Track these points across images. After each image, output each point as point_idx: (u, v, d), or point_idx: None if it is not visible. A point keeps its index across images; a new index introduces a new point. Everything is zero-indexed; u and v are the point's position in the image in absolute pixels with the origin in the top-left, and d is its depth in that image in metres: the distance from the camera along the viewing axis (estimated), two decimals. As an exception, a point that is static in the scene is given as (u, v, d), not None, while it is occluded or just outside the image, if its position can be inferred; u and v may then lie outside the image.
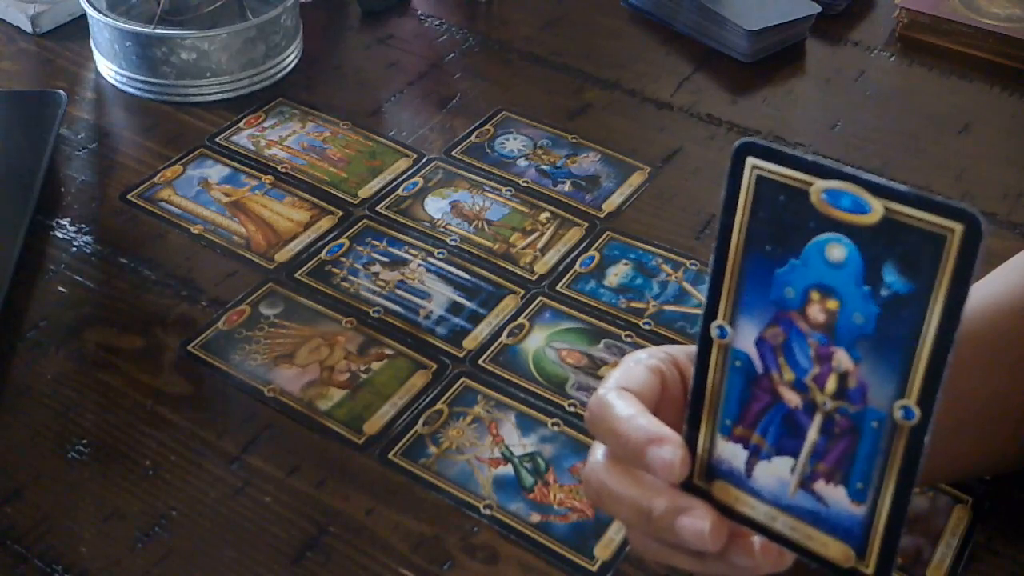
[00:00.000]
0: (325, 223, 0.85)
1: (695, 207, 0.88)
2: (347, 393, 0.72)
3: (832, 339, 0.39)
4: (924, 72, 1.04)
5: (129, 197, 0.87)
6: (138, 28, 0.94)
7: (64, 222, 0.84)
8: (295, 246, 0.83)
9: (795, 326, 0.40)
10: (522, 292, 0.80)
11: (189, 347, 0.75)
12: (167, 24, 0.97)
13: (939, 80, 1.03)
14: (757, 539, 0.44)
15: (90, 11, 0.96)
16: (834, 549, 0.42)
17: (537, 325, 0.77)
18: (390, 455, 0.68)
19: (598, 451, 0.48)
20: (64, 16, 1.05)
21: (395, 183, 0.89)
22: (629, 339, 0.76)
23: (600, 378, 0.73)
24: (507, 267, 0.82)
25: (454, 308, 0.78)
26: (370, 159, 0.91)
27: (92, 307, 0.78)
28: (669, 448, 0.43)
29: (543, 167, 0.91)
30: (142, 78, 0.96)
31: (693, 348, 0.44)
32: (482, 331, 0.76)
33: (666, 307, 0.79)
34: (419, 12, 1.10)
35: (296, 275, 0.80)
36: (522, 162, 0.91)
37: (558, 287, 0.80)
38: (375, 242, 0.83)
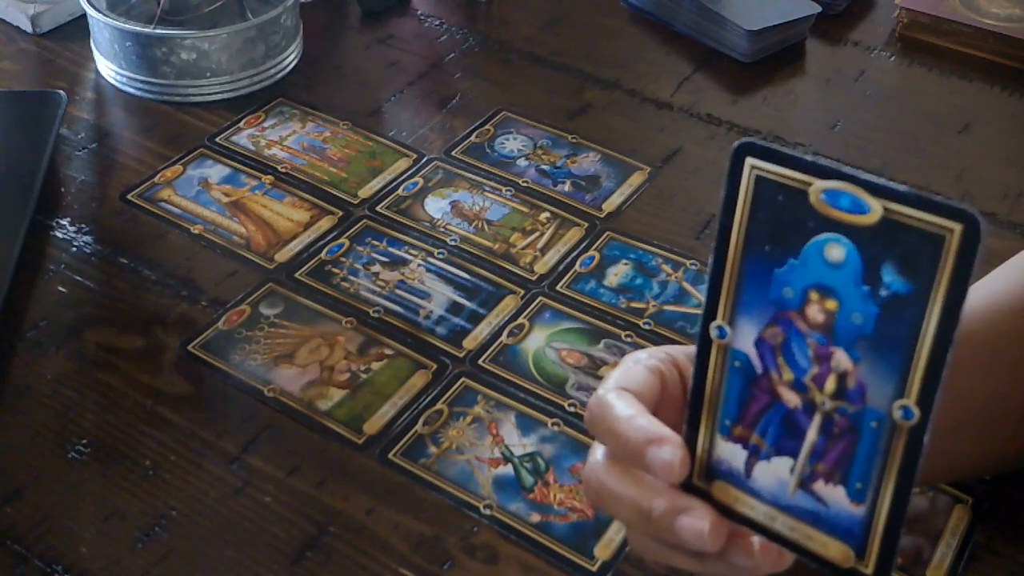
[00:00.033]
0: (325, 223, 0.85)
1: (695, 207, 0.88)
2: (347, 393, 0.72)
3: (831, 339, 0.39)
4: (924, 72, 1.05)
5: (129, 197, 0.87)
6: (138, 28, 0.94)
7: (64, 222, 0.84)
8: (295, 246, 0.83)
9: (794, 326, 0.40)
10: (522, 292, 0.80)
11: (189, 347, 0.75)
12: (167, 24, 0.97)
13: (939, 80, 1.04)
14: (757, 539, 0.44)
15: (90, 11, 0.96)
16: (833, 549, 0.42)
17: (537, 325, 0.77)
18: (390, 455, 0.68)
19: (598, 451, 0.48)
20: (64, 16, 1.05)
21: (395, 183, 0.89)
22: (629, 339, 0.76)
23: (600, 378, 0.73)
24: (507, 267, 0.82)
25: (454, 308, 0.78)
26: (370, 159, 0.91)
27: (92, 307, 0.78)
28: (668, 448, 0.43)
29: (543, 167, 0.91)
30: (142, 78, 0.96)
31: (693, 348, 0.44)
32: (482, 331, 0.77)
33: (666, 307, 0.79)
34: (419, 12, 1.10)
35: (296, 275, 0.80)
36: (522, 162, 0.91)
37: (558, 287, 0.80)
38: (375, 242, 0.83)
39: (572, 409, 0.71)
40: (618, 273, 0.81)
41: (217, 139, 0.93)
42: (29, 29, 1.04)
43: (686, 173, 0.91)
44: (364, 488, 0.67)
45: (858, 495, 0.40)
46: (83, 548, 0.63)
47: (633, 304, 0.79)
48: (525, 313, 0.78)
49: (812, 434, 0.41)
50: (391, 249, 0.83)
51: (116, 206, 0.86)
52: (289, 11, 0.98)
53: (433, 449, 0.69)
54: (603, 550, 0.64)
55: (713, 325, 0.42)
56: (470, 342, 0.76)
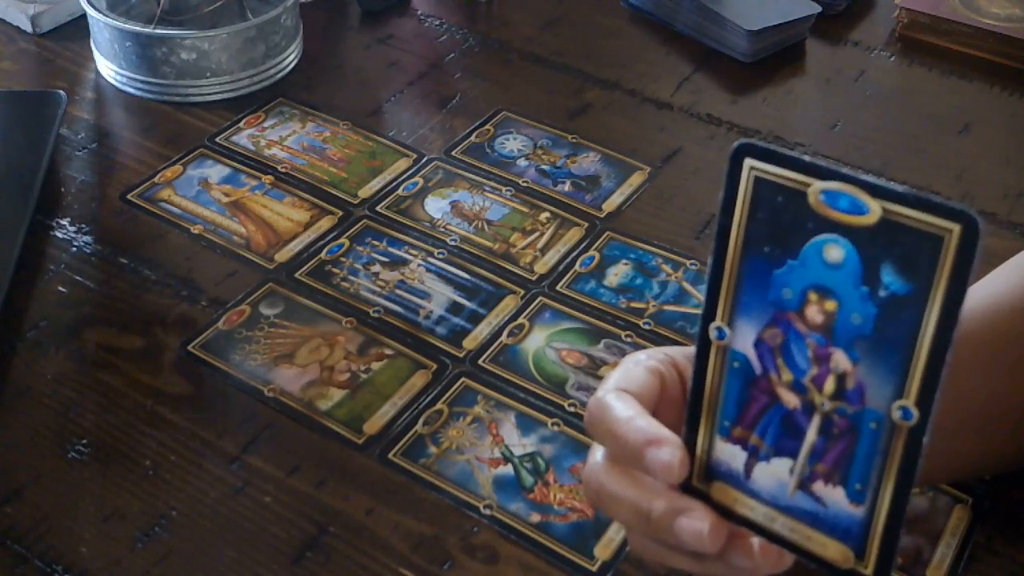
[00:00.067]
0: (325, 223, 0.85)
1: (695, 207, 0.88)
2: (347, 393, 0.72)
3: (830, 340, 0.39)
4: (924, 72, 1.05)
5: (129, 197, 0.87)
6: (138, 28, 0.94)
7: (64, 222, 0.84)
8: (295, 246, 0.83)
9: (793, 327, 0.40)
10: (522, 292, 0.80)
11: (189, 347, 0.75)
12: (167, 24, 0.97)
13: (939, 80, 1.04)
14: (756, 540, 0.44)
15: (90, 11, 0.96)
16: (833, 550, 0.42)
17: (537, 325, 0.77)
18: (390, 455, 0.68)
19: (597, 452, 0.48)
20: (64, 16, 1.05)
21: (395, 183, 0.89)
22: (629, 339, 0.76)
23: (600, 378, 0.73)
24: (507, 267, 0.82)
25: (454, 308, 0.78)
26: (370, 159, 0.91)
27: (92, 307, 0.78)
28: (668, 450, 0.43)
29: (543, 167, 0.91)
30: (142, 78, 0.96)
31: (692, 349, 0.44)
32: (482, 331, 0.77)
33: (666, 307, 0.79)
34: (419, 12, 1.10)
35: (296, 275, 0.80)
36: (522, 162, 0.91)
37: (558, 287, 0.80)
38: (375, 242, 0.83)
39: (572, 409, 0.71)
40: (618, 273, 0.81)
41: (217, 139, 0.93)
42: (29, 29, 1.04)
43: (686, 173, 0.91)
44: (364, 488, 0.67)
45: (857, 496, 0.40)
46: (83, 548, 0.63)
47: (633, 304, 0.79)
48: (525, 313, 0.78)
49: (811, 435, 0.41)
50: (391, 249, 0.83)
51: (116, 206, 0.86)
52: (289, 11, 0.98)
53: (433, 449, 0.69)
54: (603, 550, 0.64)
55: (712, 326, 0.42)
56: (470, 342, 0.76)
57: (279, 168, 0.90)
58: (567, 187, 0.89)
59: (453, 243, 0.83)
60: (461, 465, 0.68)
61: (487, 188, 0.89)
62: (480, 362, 0.74)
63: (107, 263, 0.81)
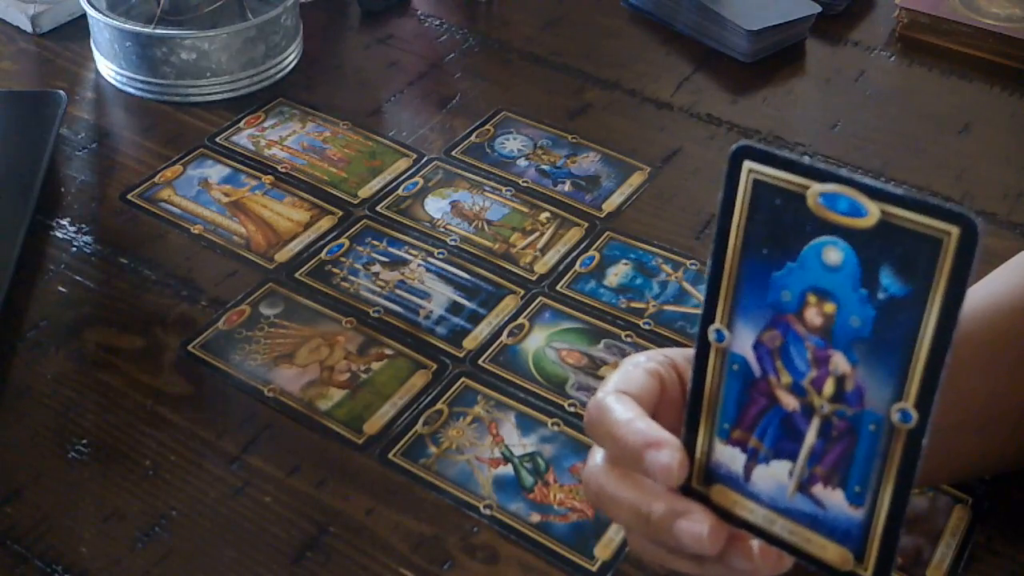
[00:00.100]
0: (325, 223, 0.85)
1: (695, 207, 0.88)
2: (347, 393, 0.72)
3: (829, 342, 0.39)
4: (924, 72, 1.05)
5: (129, 197, 0.87)
6: (138, 28, 0.94)
7: (64, 222, 0.84)
8: (295, 246, 0.83)
9: (792, 329, 0.40)
10: (522, 292, 0.80)
11: (189, 347, 0.75)
12: (167, 24, 0.97)
13: (939, 80, 1.04)
14: (756, 542, 0.44)
15: (90, 11, 0.96)
16: (832, 552, 0.42)
17: (537, 325, 0.77)
18: (390, 455, 0.68)
19: (597, 454, 0.48)
20: (64, 16, 1.05)
21: (395, 183, 0.89)
22: (629, 339, 0.76)
23: (600, 378, 0.73)
24: (507, 267, 0.82)
25: (454, 308, 0.78)
26: (370, 159, 0.91)
27: (92, 307, 0.78)
28: (667, 452, 0.43)
29: (543, 167, 0.91)
30: (142, 78, 0.96)
31: (691, 351, 0.44)
32: (482, 331, 0.77)
33: (666, 307, 0.79)
34: (419, 12, 1.10)
35: (296, 275, 0.80)
36: (522, 162, 0.91)
37: (558, 287, 0.80)
38: (375, 242, 0.83)
39: (572, 409, 0.71)
40: (618, 273, 0.81)
41: (217, 139, 0.93)
42: (29, 29, 1.04)
43: (686, 173, 0.91)
44: (364, 488, 0.67)
45: (857, 498, 0.40)
46: (83, 548, 0.63)
47: (633, 304, 0.79)
48: (525, 313, 0.78)
49: (811, 437, 0.41)
50: (391, 249, 0.83)
51: (116, 206, 0.86)
52: (289, 11, 0.98)
53: (433, 449, 0.69)
54: (603, 550, 0.64)
55: (711, 328, 0.42)
56: (470, 342, 0.76)
57: (279, 168, 0.90)
58: (567, 187, 0.89)
59: (453, 243, 0.83)
60: (461, 465, 0.68)
61: (487, 188, 0.89)
62: (480, 362, 0.74)
63: (107, 263, 0.81)
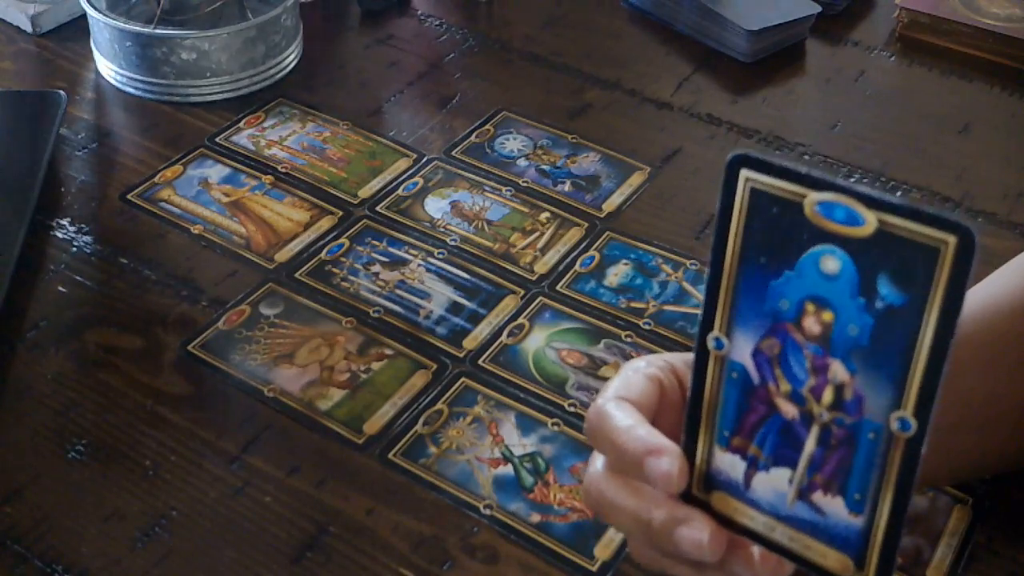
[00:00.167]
0: (325, 223, 0.85)
1: (695, 207, 0.88)
2: (347, 393, 0.72)
3: (828, 351, 0.39)
4: (924, 72, 1.05)
5: (129, 197, 0.87)
6: (138, 28, 0.94)
7: (64, 222, 0.84)
8: (295, 246, 0.83)
9: (791, 337, 0.40)
10: (522, 292, 0.80)
11: (189, 347, 0.75)
12: (167, 24, 0.97)
13: (939, 80, 1.04)
14: (756, 549, 0.44)
15: (90, 11, 0.96)
16: (832, 559, 0.42)
17: (537, 325, 0.77)
18: (390, 455, 0.68)
19: (598, 461, 0.48)
20: (64, 16, 1.05)
21: (395, 183, 0.89)
22: (629, 339, 0.76)
23: (600, 378, 0.73)
24: (507, 267, 0.82)
25: (454, 308, 0.78)
26: (370, 159, 0.91)
27: (92, 307, 0.78)
28: (667, 459, 0.43)
29: (543, 167, 0.91)
30: (142, 78, 0.96)
31: (691, 355, 0.44)
32: (482, 331, 0.77)
33: (666, 307, 0.79)
34: (419, 12, 1.10)
35: (296, 275, 0.80)
36: (522, 162, 0.91)
37: (558, 287, 0.80)
38: (375, 242, 0.83)
39: (572, 409, 0.71)
40: (618, 273, 0.81)
41: (217, 139, 0.93)
42: (29, 29, 1.04)
43: (686, 173, 0.91)
44: (364, 488, 0.67)
45: (856, 506, 0.40)
46: (83, 548, 0.63)
47: (633, 304, 0.79)
48: (525, 313, 0.78)
49: (810, 445, 0.41)
50: (391, 249, 0.83)
51: (116, 206, 0.86)
52: (289, 11, 0.98)
53: (433, 449, 0.69)
54: (603, 550, 0.64)
55: (710, 336, 0.42)
56: (470, 342, 0.76)
57: (279, 168, 0.90)
58: (567, 187, 0.89)
59: (453, 243, 0.83)
60: (461, 465, 0.68)
61: (487, 188, 0.89)
62: (480, 362, 0.74)
63: (107, 263, 0.81)
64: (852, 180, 0.90)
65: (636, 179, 0.90)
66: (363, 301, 0.79)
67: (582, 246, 0.84)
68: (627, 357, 0.75)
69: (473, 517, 0.65)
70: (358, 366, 0.74)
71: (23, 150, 0.86)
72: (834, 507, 0.41)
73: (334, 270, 0.81)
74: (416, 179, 0.89)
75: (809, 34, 1.07)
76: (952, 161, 0.94)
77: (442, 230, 0.85)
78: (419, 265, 0.81)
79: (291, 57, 1.00)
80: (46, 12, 1.04)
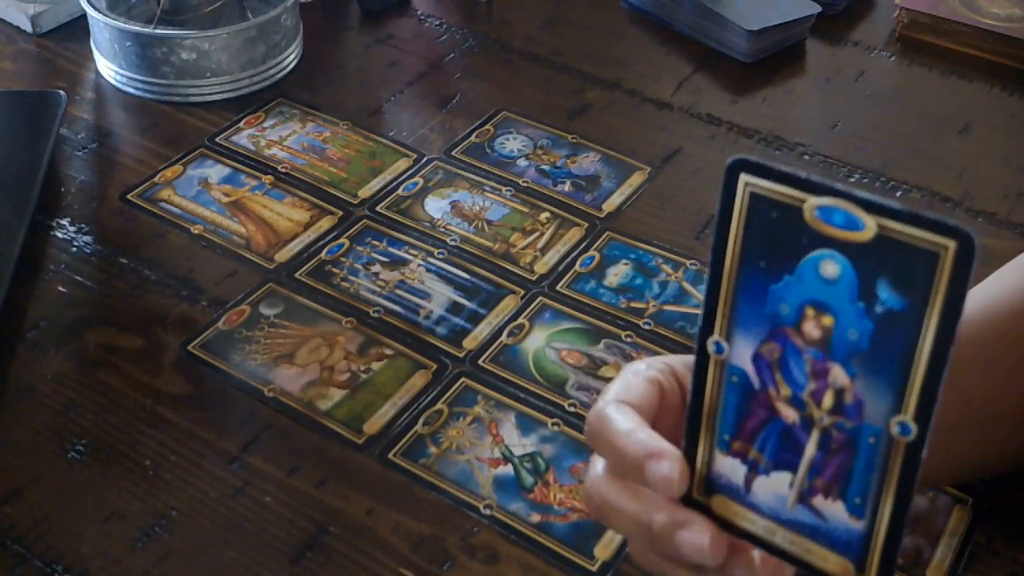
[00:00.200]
0: (325, 223, 0.85)
1: (695, 207, 0.88)
2: (347, 393, 0.72)
3: (828, 355, 0.39)
4: (924, 72, 1.05)
5: (129, 197, 0.87)
6: (138, 28, 0.94)
7: (64, 222, 0.84)
8: (295, 246, 0.83)
9: (791, 342, 0.40)
10: (522, 292, 0.80)
11: (189, 347, 0.75)
12: (167, 24, 0.97)
13: (939, 80, 1.04)
14: (757, 553, 0.44)
15: (90, 11, 0.96)
16: (833, 563, 0.42)
17: (537, 325, 0.77)
18: (390, 455, 0.69)
19: (598, 464, 0.48)
20: (64, 16, 1.05)
21: (395, 183, 0.89)
22: (629, 339, 0.76)
23: (600, 378, 0.73)
24: (507, 267, 0.82)
25: (454, 308, 0.78)
26: (370, 159, 0.91)
27: (92, 307, 0.78)
28: (667, 463, 0.43)
29: (543, 167, 0.91)
30: (142, 78, 0.96)
31: (691, 358, 0.44)
32: (482, 331, 0.77)
33: (666, 307, 0.79)
34: (419, 12, 1.10)
35: (296, 275, 0.80)
36: (522, 162, 0.91)
37: (558, 287, 0.80)
38: (375, 242, 0.83)
39: (572, 409, 0.71)
40: (618, 273, 0.81)
41: (217, 139, 0.93)
42: (29, 29, 1.04)
43: (686, 173, 0.91)
44: (364, 488, 0.67)
45: (857, 510, 0.40)
46: (83, 548, 0.63)
47: (633, 304, 0.79)
48: (525, 313, 0.78)
49: (810, 449, 0.41)
50: (391, 249, 0.83)
51: (116, 206, 0.86)
52: (289, 11, 0.98)
53: (433, 449, 0.69)
54: (603, 550, 0.64)
55: (710, 341, 0.42)
56: (470, 342, 0.76)
57: (279, 168, 0.90)
58: (567, 187, 0.89)
59: (453, 243, 0.83)
60: (461, 465, 0.68)
61: (487, 188, 0.89)
62: (480, 362, 0.74)
63: (107, 263, 0.81)
64: (852, 180, 0.90)
65: (636, 179, 0.90)
66: (363, 301, 0.79)
67: (582, 246, 0.84)
68: (627, 357, 0.75)
69: (473, 517, 0.65)
70: (358, 366, 0.74)
71: (23, 150, 0.86)
72: (835, 511, 0.41)
73: (334, 270, 0.81)
74: (416, 179, 0.89)
75: (809, 34, 1.07)
76: (952, 161, 0.94)
77: (442, 230, 0.85)
78: (419, 265, 0.81)
79: (291, 57, 1.00)
80: (46, 12, 1.04)
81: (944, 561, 0.63)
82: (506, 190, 0.88)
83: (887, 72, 1.05)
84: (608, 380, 0.72)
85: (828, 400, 0.40)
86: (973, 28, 1.05)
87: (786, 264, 0.39)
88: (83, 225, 0.84)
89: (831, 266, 0.38)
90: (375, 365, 0.74)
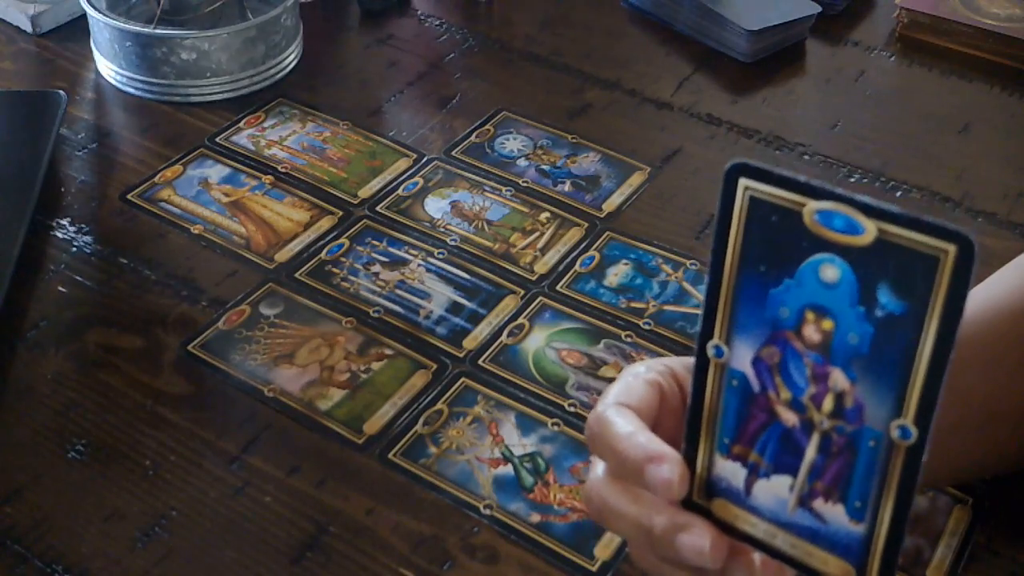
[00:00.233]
0: (325, 223, 0.85)
1: (695, 207, 0.88)
2: (347, 393, 0.72)
3: (828, 359, 0.39)
4: (924, 72, 1.05)
5: (129, 197, 0.87)
6: (138, 28, 0.94)
7: (64, 222, 0.84)
8: (295, 246, 0.83)
9: (791, 346, 0.40)
10: (522, 292, 0.80)
11: (189, 347, 0.75)
12: (167, 24, 0.97)
13: (939, 80, 1.04)
14: (757, 556, 0.44)
15: (90, 11, 0.96)
16: (834, 566, 0.42)
17: (537, 325, 0.77)
18: (390, 455, 0.69)
19: (598, 467, 0.48)
20: (64, 16, 1.05)
21: (395, 183, 0.89)
22: (629, 339, 0.76)
23: (600, 378, 0.73)
24: (507, 267, 0.82)
25: (454, 308, 0.78)
26: (370, 159, 0.91)
27: (92, 307, 0.78)
28: (667, 466, 0.43)
29: (543, 167, 0.91)
30: (142, 78, 0.96)
31: (691, 359, 0.44)
32: (482, 331, 0.77)
33: (666, 307, 0.79)
34: (419, 12, 1.10)
35: (296, 275, 0.80)
36: (522, 162, 0.91)
37: (558, 287, 0.80)
38: (375, 242, 0.83)
39: (572, 409, 0.71)
40: (618, 273, 0.81)
41: (217, 139, 0.93)
42: (29, 29, 1.04)
43: (686, 173, 0.91)
44: (364, 488, 0.67)
45: (857, 513, 0.40)
46: (83, 548, 0.63)
47: (633, 304, 0.79)
48: (525, 313, 0.78)
49: (810, 453, 0.41)
50: (391, 249, 0.83)
51: (116, 206, 0.86)
52: (289, 11, 0.98)
53: (433, 449, 0.69)
54: (603, 550, 0.64)
55: (710, 344, 0.42)
56: (470, 342, 0.76)
57: (279, 168, 0.90)
58: (567, 187, 0.89)
59: (453, 243, 0.83)
60: (461, 465, 0.68)
61: (487, 188, 0.89)
62: (480, 362, 0.74)
63: (107, 263, 0.81)
64: (852, 180, 0.90)
65: (636, 179, 0.90)
66: (363, 301, 0.79)
67: (582, 246, 0.84)
68: (627, 357, 0.75)
69: (473, 517, 0.65)
70: (358, 366, 0.74)
71: (23, 150, 0.86)
72: (835, 514, 0.41)
73: (334, 270, 0.81)
74: (416, 179, 0.89)
75: (809, 34, 1.07)
76: (952, 161, 0.94)
77: (442, 230, 0.85)
78: (419, 265, 0.81)
79: (291, 57, 1.00)
80: (46, 12, 1.04)
81: (944, 561, 0.63)
82: (506, 190, 0.88)
83: (887, 72, 1.05)
84: (608, 380, 0.72)
85: (828, 404, 0.40)
86: (973, 28, 1.05)
87: (786, 268, 0.39)
88: (83, 225, 0.84)
89: (831, 270, 0.38)
90: (375, 365, 0.74)
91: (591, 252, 0.83)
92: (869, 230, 0.37)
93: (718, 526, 0.44)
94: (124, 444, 0.69)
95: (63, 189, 0.87)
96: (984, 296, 0.60)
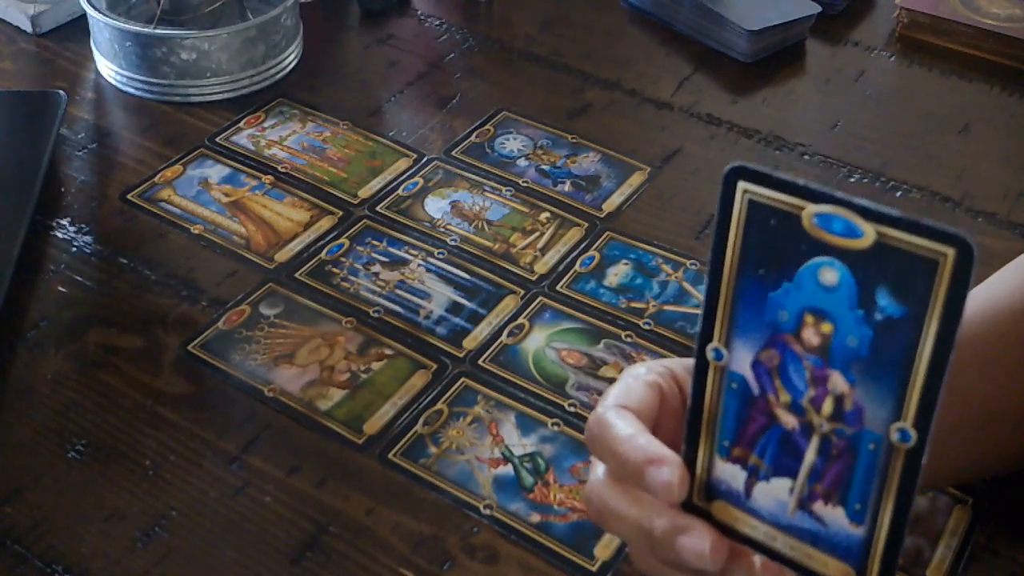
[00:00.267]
0: (325, 223, 0.85)
1: (695, 207, 0.88)
2: (347, 393, 0.72)
3: (827, 362, 0.39)
4: (924, 72, 1.05)
5: (129, 197, 0.87)
6: (138, 28, 0.94)
7: (64, 222, 0.84)
8: (295, 246, 0.83)
9: (790, 349, 0.40)
10: (522, 292, 0.80)
11: (189, 347, 0.75)
12: (167, 24, 0.97)
13: (939, 80, 1.04)
14: (758, 558, 0.44)
15: (90, 11, 0.96)
16: (834, 568, 0.42)
17: (537, 325, 0.77)
18: (390, 455, 0.69)
19: (598, 469, 0.48)
20: (64, 16, 1.05)
21: (395, 183, 0.89)
22: (629, 339, 0.76)
23: (600, 378, 0.73)
24: (507, 267, 0.82)
25: (454, 308, 0.78)
26: (370, 159, 0.91)
27: (92, 307, 0.78)
28: (668, 469, 0.43)
29: (543, 167, 0.91)
30: (142, 78, 0.96)
31: (691, 361, 0.44)
32: (482, 331, 0.77)
33: (666, 307, 0.79)
34: (419, 12, 1.10)
35: (296, 275, 0.80)
36: (522, 162, 0.91)
37: (558, 287, 0.80)
38: (375, 242, 0.83)
39: (572, 409, 0.72)
40: (618, 273, 0.81)
41: (217, 139, 0.93)
42: (29, 29, 1.04)
43: (686, 173, 0.91)
44: (364, 488, 0.67)
45: (857, 516, 0.40)
46: (83, 548, 0.63)
47: (633, 304, 0.79)
48: (525, 313, 0.78)
49: (810, 455, 0.41)
50: (391, 249, 0.83)
51: (116, 206, 0.86)
52: (289, 11, 0.98)
53: (433, 449, 0.69)
54: (603, 550, 0.64)
55: (709, 347, 0.42)
56: (470, 342, 0.76)
57: (279, 168, 0.90)
58: (567, 187, 0.89)
59: (453, 243, 0.83)
60: (461, 465, 0.68)
61: (487, 188, 0.89)
62: (480, 362, 0.74)
63: (107, 263, 0.81)
64: (852, 180, 0.90)
65: (636, 179, 0.90)
66: (363, 301, 0.79)
67: (582, 246, 0.84)
68: (627, 357, 0.75)
69: (473, 517, 0.65)
70: (358, 366, 0.74)
71: (23, 150, 0.86)
72: (835, 517, 0.41)
73: (334, 270, 0.81)
74: (416, 179, 0.89)
75: (809, 34, 1.07)
76: (952, 161, 0.94)
77: (442, 230, 0.85)
78: (419, 265, 0.81)
79: (291, 57, 1.00)
80: (46, 12, 1.04)
81: (944, 561, 0.63)
82: (506, 190, 0.88)
83: (887, 72, 1.05)
84: (608, 380, 0.72)
85: (828, 406, 0.40)
86: (973, 28, 1.05)
87: (785, 271, 0.39)
88: (83, 225, 0.84)
89: (830, 273, 0.38)
90: (375, 365, 0.74)
91: (591, 252, 0.83)
92: (868, 233, 0.37)
93: (718, 528, 0.44)
94: (124, 444, 0.69)
95: (63, 189, 0.87)
96: (984, 296, 0.60)
